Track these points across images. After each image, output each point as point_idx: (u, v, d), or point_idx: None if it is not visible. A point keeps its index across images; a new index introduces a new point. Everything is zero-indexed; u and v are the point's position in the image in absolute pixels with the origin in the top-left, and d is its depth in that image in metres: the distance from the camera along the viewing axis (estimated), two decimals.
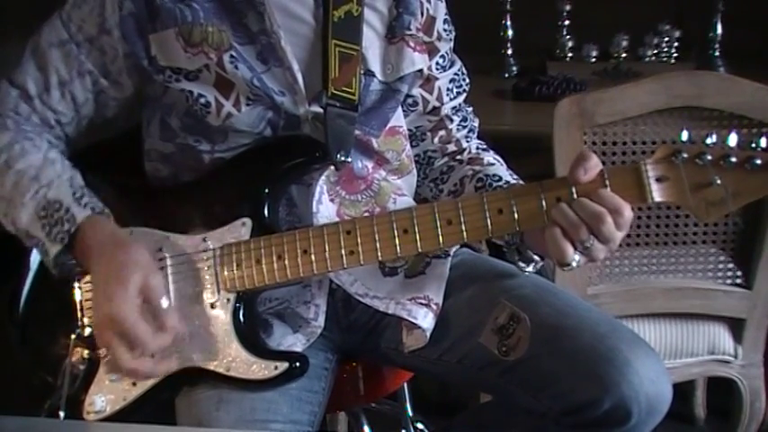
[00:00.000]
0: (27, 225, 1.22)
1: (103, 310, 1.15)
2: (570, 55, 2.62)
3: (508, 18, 2.62)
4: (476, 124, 1.48)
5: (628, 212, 1.11)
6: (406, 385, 1.70)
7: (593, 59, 2.58)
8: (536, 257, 1.28)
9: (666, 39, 2.53)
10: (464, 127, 1.46)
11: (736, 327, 1.81)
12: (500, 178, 1.35)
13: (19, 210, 1.22)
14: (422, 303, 1.30)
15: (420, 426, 1.81)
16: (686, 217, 1.72)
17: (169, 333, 1.16)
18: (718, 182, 1.09)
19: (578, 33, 2.61)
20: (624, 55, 2.56)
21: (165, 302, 1.16)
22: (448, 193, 1.41)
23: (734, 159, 1.09)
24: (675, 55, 2.54)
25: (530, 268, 1.30)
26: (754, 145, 1.09)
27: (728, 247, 1.79)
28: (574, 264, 1.13)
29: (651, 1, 2.59)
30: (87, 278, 1.25)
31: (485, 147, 1.47)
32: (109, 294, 1.14)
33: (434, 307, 1.31)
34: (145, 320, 1.14)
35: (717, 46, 2.50)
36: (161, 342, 1.16)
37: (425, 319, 1.29)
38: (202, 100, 1.23)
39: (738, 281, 1.78)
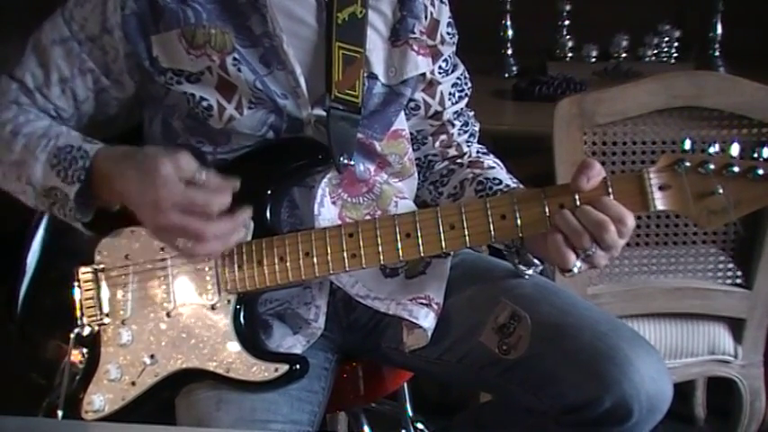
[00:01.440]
0: (42, 177, 1.21)
1: (152, 203, 1.12)
2: (570, 55, 2.62)
3: (508, 18, 2.62)
4: (476, 128, 1.48)
5: (630, 221, 1.11)
6: (406, 385, 1.71)
7: (593, 59, 2.58)
8: (536, 261, 1.28)
9: (666, 39, 2.53)
10: (465, 131, 1.46)
11: (736, 327, 1.81)
12: (500, 182, 1.34)
13: (32, 166, 1.21)
14: (423, 303, 1.30)
15: (420, 426, 1.81)
16: (686, 217, 1.72)
17: (224, 191, 1.14)
18: (721, 191, 1.09)
19: (578, 33, 2.61)
20: (624, 55, 2.56)
21: (200, 173, 1.14)
22: (447, 195, 1.41)
23: (736, 169, 1.09)
24: (675, 55, 2.54)
25: (529, 271, 1.30)
26: (756, 155, 1.09)
27: (728, 247, 1.79)
28: (575, 270, 1.13)
29: (651, 1, 2.60)
30: (86, 275, 1.26)
31: (485, 150, 1.47)
32: (150, 188, 1.12)
33: (435, 306, 1.31)
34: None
35: (717, 46, 2.51)
36: (221, 200, 1.13)
37: (426, 319, 1.29)
38: (205, 103, 1.23)
39: (738, 281, 1.78)
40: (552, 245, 1.12)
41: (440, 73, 1.39)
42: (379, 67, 1.30)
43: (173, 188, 1.12)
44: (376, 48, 1.30)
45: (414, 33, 1.32)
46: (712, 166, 1.10)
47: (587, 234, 1.10)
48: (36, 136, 1.23)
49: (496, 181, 1.34)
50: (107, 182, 1.19)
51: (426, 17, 1.34)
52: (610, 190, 1.12)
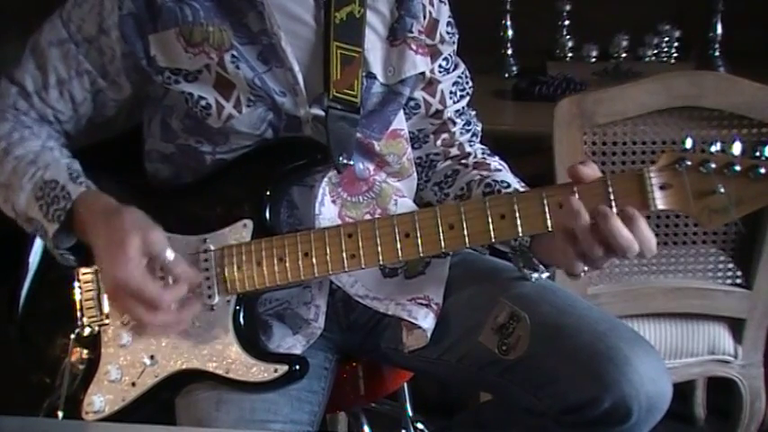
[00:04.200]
0: (25, 207, 1.22)
1: (110, 278, 1.15)
2: (570, 55, 2.62)
3: (508, 18, 2.63)
4: (479, 128, 1.48)
5: (654, 246, 1.10)
6: (406, 385, 1.71)
7: (594, 59, 2.58)
8: (541, 266, 1.27)
9: (666, 39, 2.53)
10: (467, 131, 1.45)
11: (736, 327, 1.81)
12: (509, 185, 1.33)
13: (17, 193, 1.23)
14: (422, 303, 1.30)
15: (420, 426, 1.81)
16: (687, 217, 1.72)
17: (182, 282, 1.16)
18: (722, 190, 1.08)
19: (578, 33, 2.61)
20: (624, 55, 2.56)
21: (169, 254, 1.16)
22: (454, 197, 1.40)
23: (737, 168, 1.08)
24: (675, 55, 2.54)
25: (536, 275, 1.29)
26: (757, 153, 1.07)
27: (728, 247, 1.79)
28: (582, 274, 1.14)
29: (651, 1, 2.60)
30: (87, 276, 1.26)
31: (489, 152, 1.46)
32: (111, 261, 1.14)
33: (435, 307, 1.31)
34: (153, 277, 1.15)
35: (717, 46, 2.51)
36: (174, 294, 1.15)
37: (426, 320, 1.29)
38: (203, 102, 1.23)
39: (738, 281, 1.78)
40: (566, 256, 1.12)
41: (440, 72, 1.39)
42: (377, 67, 1.30)
43: (131, 272, 1.13)
44: (374, 47, 1.30)
45: (412, 33, 1.32)
46: (713, 165, 1.08)
47: (609, 251, 1.09)
48: (26, 161, 1.24)
49: (504, 184, 1.33)
50: (83, 230, 1.20)
51: (425, 17, 1.34)
52: (610, 189, 1.11)
